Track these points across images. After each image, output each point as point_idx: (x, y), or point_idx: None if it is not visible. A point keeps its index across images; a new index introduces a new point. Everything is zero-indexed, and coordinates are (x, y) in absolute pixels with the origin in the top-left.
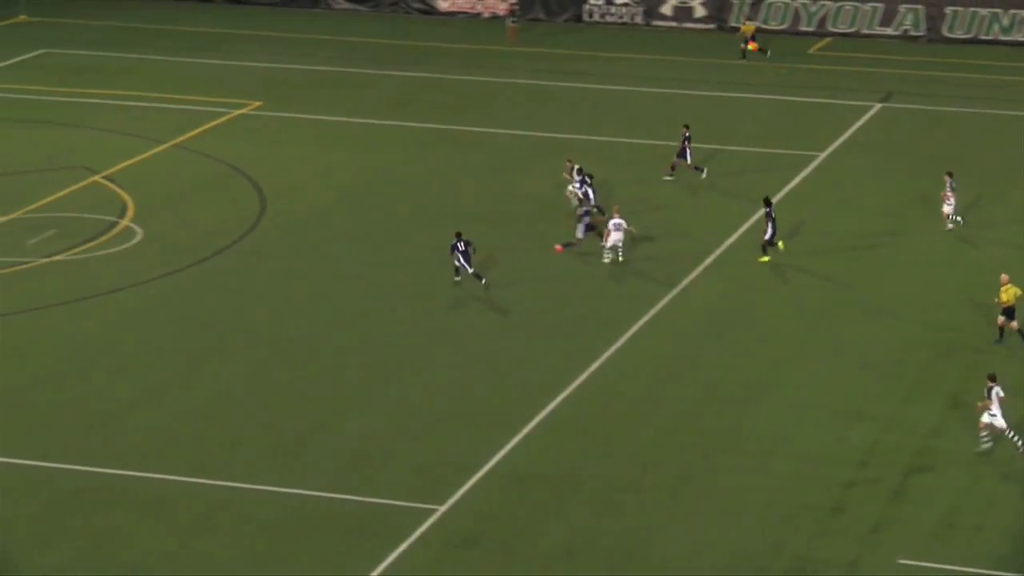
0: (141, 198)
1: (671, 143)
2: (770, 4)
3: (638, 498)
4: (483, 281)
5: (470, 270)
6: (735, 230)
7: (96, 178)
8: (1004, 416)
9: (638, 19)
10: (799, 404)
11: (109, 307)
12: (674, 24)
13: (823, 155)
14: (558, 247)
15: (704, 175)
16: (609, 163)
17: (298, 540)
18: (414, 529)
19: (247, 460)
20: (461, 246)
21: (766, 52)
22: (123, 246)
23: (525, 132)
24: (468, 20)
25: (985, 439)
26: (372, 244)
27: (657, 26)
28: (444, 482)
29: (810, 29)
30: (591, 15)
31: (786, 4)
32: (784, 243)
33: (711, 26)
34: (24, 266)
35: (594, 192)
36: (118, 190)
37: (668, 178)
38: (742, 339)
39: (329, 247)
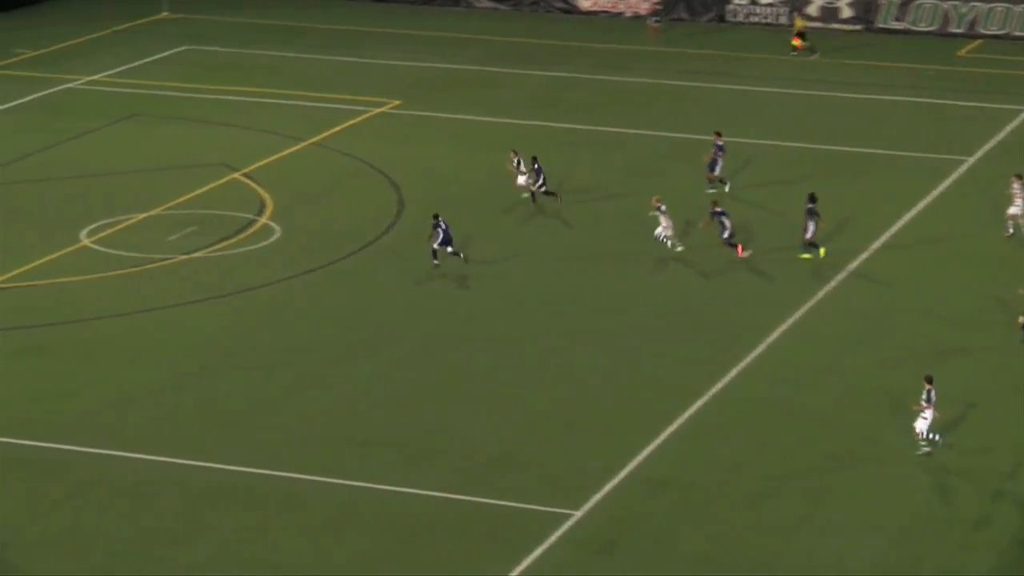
0: (279, 196)
1: (819, 146)
2: (919, 5)
3: (777, 505)
4: (462, 256)
5: (449, 249)
6: (879, 235)
7: (235, 175)
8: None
9: (783, 19)
10: (943, 415)
11: (246, 305)
12: (820, 24)
13: (972, 159)
14: (741, 251)
15: (727, 188)
16: (756, 165)
17: (430, 542)
18: (549, 534)
19: (379, 460)
20: (443, 225)
21: (814, 51)
22: (261, 244)
23: (666, 133)
24: (610, 19)
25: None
26: (508, 245)
27: None
28: (580, 486)
29: (960, 31)
30: (735, 15)
31: (935, 5)
32: (874, 250)
33: (858, 27)
34: (164, 263)
35: (542, 175)
36: (257, 188)
37: (711, 190)
38: (885, 346)
39: (465, 247)
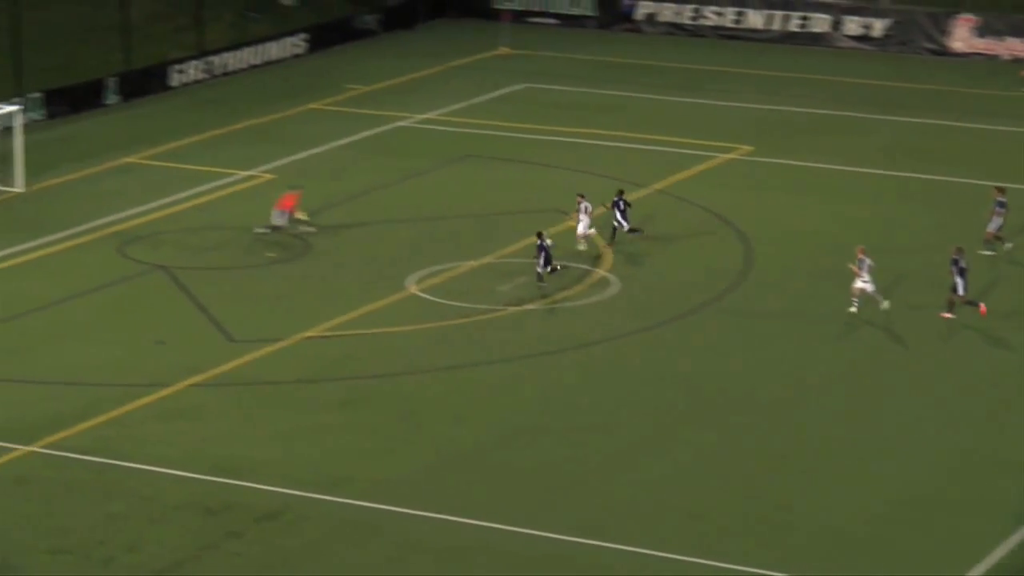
0: (618, 246)
1: None
2: None
3: None
4: (559, 267)
5: (548, 268)
6: None
7: (572, 223)
8: (874, 282)
9: None
10: None
11: (581, 361)
12: None
13: None
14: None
15: (1008, 247)
16: None
17: None
18: None
19: (720, 536)
20: (546, 243)
21: None
22: (598, 297)
23: None
24: (985, 62)
25: (856, 302)
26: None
27: None
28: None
29: None
30: None
31: None
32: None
33: None
34: (494, 314)
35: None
36: (594, 236)
37: (987, 252)
38: None
39: (819, 307)
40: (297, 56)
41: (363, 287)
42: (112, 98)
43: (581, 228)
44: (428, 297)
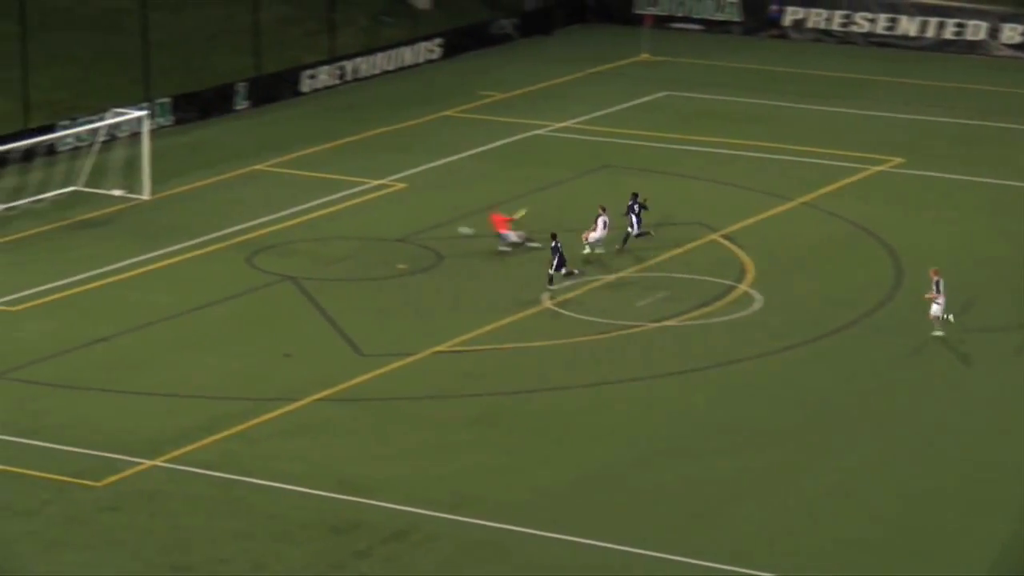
0: (762, 261)
1: None
2: None
3: None
4: (576, 272)
5: (563, 271)
6: None
7: (713, 236)
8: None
9: None
10: None
11: (721, 381)
12: None
13: None
14: None
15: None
16: None
17: None
18: None
19: (874, 563)
20: (559, 246)
21: None
22: (739, 314)
23: None
24: None
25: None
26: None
27: None
28: None
29: None
30: None
31: None
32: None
33: None
34: (632, 330)
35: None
36: (737, 250)
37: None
38: None
39: (972, 323)
40: (431, 62)
41: (496, 300)
42: (242, 104)
43: (593, 236)
44: (563, 312)
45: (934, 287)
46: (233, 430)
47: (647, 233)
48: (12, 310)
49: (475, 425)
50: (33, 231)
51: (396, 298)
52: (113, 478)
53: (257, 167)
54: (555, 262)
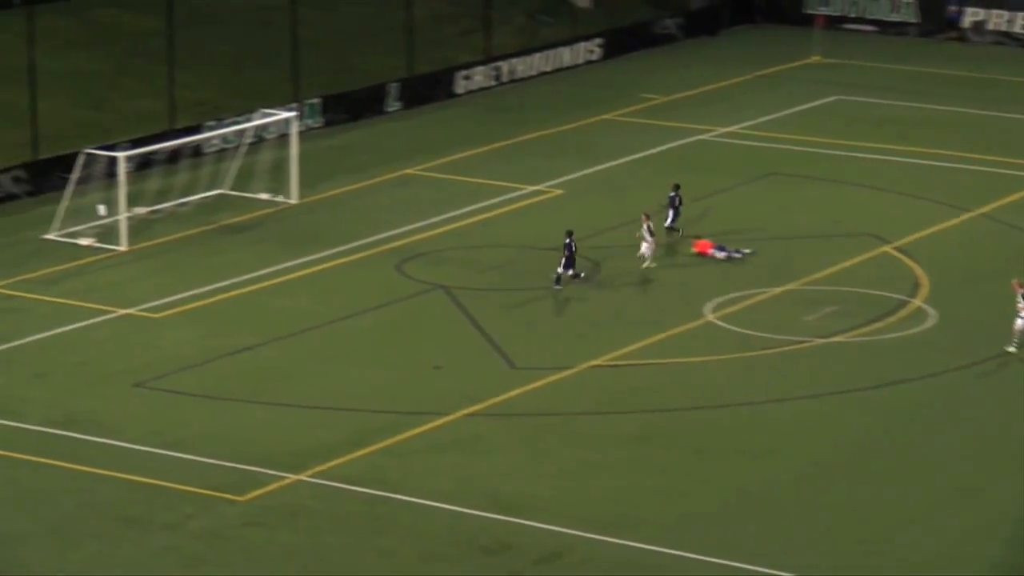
0: (937, 274)
1: None
2: None
3: None
4: (582, 275)
5: (571, 272)
6: None
7: (886, 248)
8: None
9: None
10: None
11: (892, 400)
12: None
13: None
14: None
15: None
16: None
17: None
18: None
19: None
20: (573, 246)
21: None
22: (912, 330)
23: None
24: None
25: (1015, 341)
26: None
27: None
28: None
29: None
30: None
31: None
32: None
33: None
34: (798, 346)
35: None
36: (910, 263)
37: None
38: None
39: None
40: (591, 63)
41: (656, 313)
42: (393, 105)
43: (645, 248)
44: (727, 326)
45: (1020, 298)
46: (380, 445)
47: (677, 230)
48: (155, 317)
49: (631, 443)
50: (177, 235)
51: (552, 309)
52: (256, 492)
53: (408, 171)
54: (563, 262)
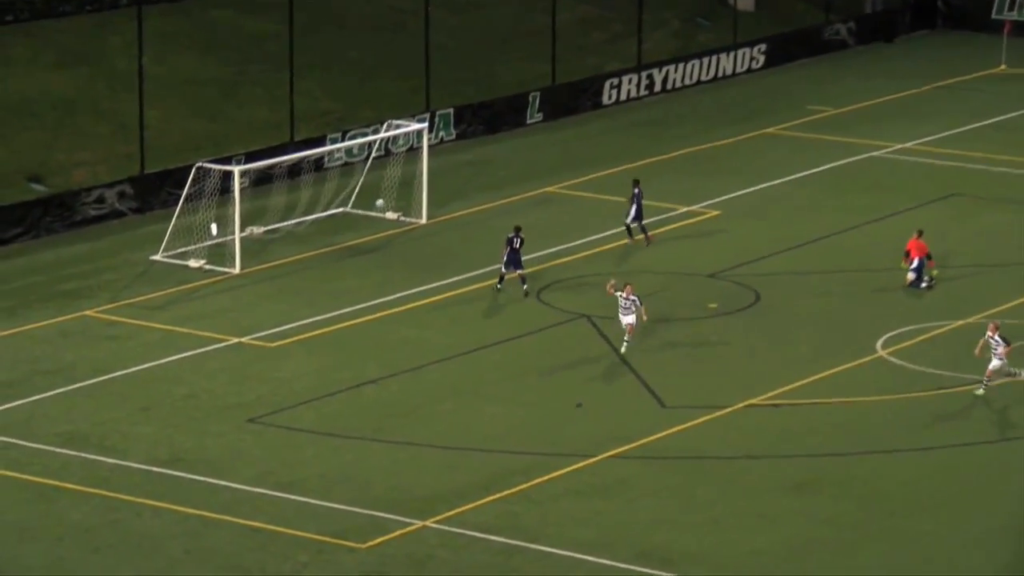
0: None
1: None
2: None
3: None
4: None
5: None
6: None
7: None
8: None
9: None
10: None
11: None
12: None
13: None
14: None
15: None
16: None
17: None
18: None
19: None
20: (516, 242)
21: None
22: None
23: None
24: None
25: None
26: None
27: None
28: None
29: None
30: None
31: None
32: None
33: None
34: (982, 386)
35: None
36: None
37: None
38: None
39: None
40: (752, 71)
41: (821, 347)
42: (534, 117)
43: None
44: (901, 363)
45: (996, 342)
46: (516, 489)
47: (644, 232)
48: (270, 346)
49: (794, 491)
50: (295, 257)
51: (706, 342)
52: (378, 540)
53: (549, 189)
54: (504, 258)
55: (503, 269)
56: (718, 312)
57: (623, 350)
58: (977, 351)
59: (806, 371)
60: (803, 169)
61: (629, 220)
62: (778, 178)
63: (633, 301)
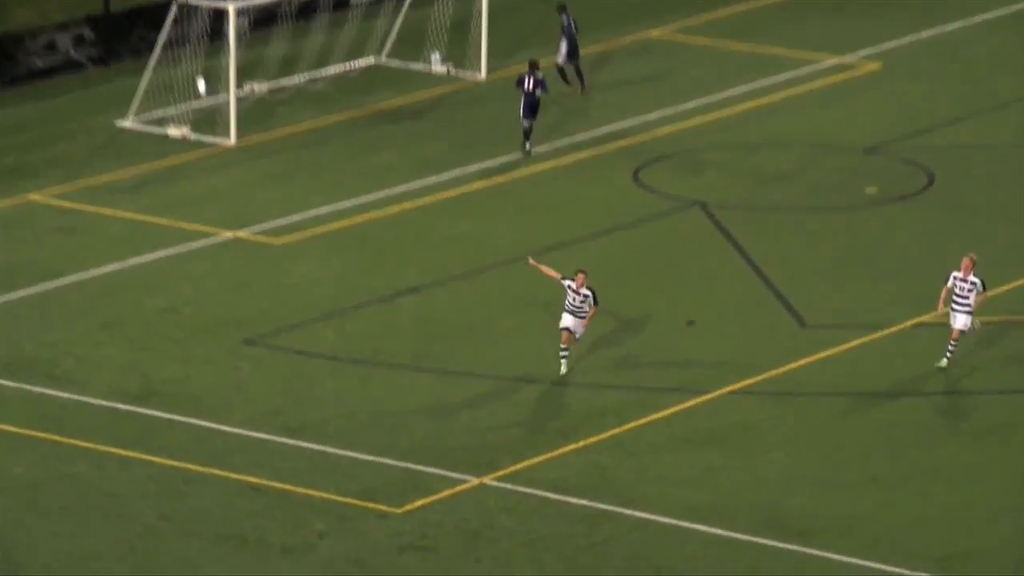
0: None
1: None
2: None
3: None
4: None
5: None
6: None
7: None
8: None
9: None
10: None
11: None
12: None
13: None
14: None
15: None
16: None
17: None
18: None
19: None
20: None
21: None
22: None
23: None
24: None
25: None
26: None
27: None
28: None
29: None
30: None
31: None
32: None
33: None
34: None
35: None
36: None
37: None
38: None
39: None
40: None
41: (1016, 244)
42: None
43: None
44: None
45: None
46: (604, 435)
47: (580, 78)
48: (275, 243)
49: (980, 440)
50: (309, 124)
51: (860, 240)
52: (419, 502)
53: (652, 33)
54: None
55: (524, 123)
56: (878, 199)
57: (563, 372)
58: (940, 305)
59: (998, 277)
60: (992, 9)
61: (561, 60)
62: (958, 20)
63: (587, 298)
